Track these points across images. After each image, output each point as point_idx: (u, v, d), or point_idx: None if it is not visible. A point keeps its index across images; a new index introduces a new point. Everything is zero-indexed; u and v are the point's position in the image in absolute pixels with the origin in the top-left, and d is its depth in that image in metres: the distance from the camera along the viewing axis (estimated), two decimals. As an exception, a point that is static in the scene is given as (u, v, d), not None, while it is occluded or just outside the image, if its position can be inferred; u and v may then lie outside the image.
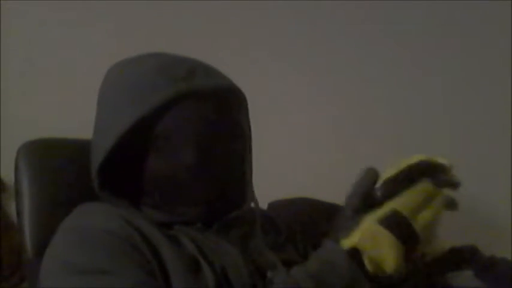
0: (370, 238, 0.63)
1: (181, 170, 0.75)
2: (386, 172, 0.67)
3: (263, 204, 1.64)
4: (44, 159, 0.92)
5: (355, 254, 0.63)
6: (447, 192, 0.68)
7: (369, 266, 0.63)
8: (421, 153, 0.70)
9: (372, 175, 0.66)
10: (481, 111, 1.90)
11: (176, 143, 0.75)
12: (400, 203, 0.64)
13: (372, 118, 1.95)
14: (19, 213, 0.90)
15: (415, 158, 0.67)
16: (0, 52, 1.72)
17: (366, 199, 0.65)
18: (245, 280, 0.75)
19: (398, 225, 0.63)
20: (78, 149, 0.90)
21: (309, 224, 1.46)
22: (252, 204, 0.88)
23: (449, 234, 1.79)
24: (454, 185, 0.67)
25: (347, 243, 0.64)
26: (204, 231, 0.79)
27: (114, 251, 0.70)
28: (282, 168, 1.88)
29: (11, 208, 1.60)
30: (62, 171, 0.92)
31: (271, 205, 1.72)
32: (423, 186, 0.66)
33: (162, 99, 0.72)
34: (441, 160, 0.68)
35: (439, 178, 0.67)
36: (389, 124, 1.92)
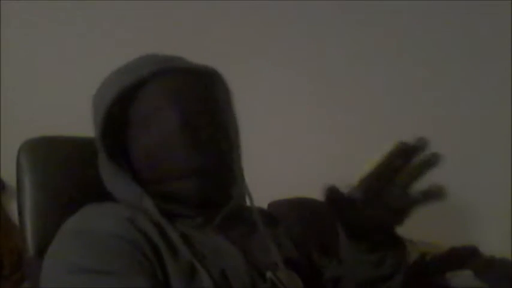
0: None
1: (167, 135, 0.78)
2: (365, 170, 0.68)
3: (263, 205, 1.65)
4: (45, 157, 0.92)
5: None
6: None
7: None
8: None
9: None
10: (482, 111, 1.90)
11: (159, 113, 0.79)
12: None
13: (371, 118, 1.95)
14: (20, 211, 0.89)
15: (388, 149, 0.66)
16: (1, 52, 1.72)
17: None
18: (245, 281, 0.75)
19: None
20: (80, 147, 0.90)
21: (308, 224, 1.46)
22: (247, 199, 0.89)
23: (449, 234, 1.80)
24: (432, 162, 0.66)
25: None
26: (204, 227, 0.80)
27: (121, 254, 0.70)
28: (282, 168, 1.88)
29: (12, 208, 1.60)
30: (64, 169, 0.92)
31: (271, 205, 1.73)
32: None
33: (144, 72, 0.79)
34: (413, 141, 0.66)
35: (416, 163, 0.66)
36: (389, 124, 1.92)
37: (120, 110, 0.80)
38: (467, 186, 1.83)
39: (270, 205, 1.73)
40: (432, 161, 0.65)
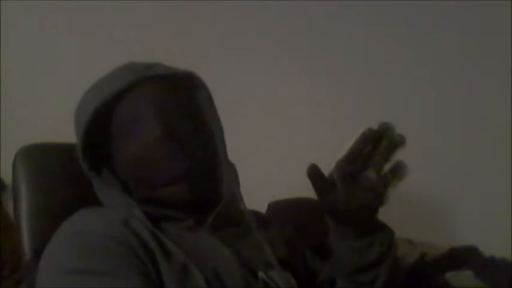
0: None
1: (150, 144, 0.79)
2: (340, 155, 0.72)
3: (263, 204, 1.65)
4: (41, 164, 0.93)
5: None
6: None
7: None
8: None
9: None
10: (482, 110, 1.90)
11: (141, 122, 0.80)
12: None
13: (371, 118, 1.95)
14: (17, 217, 0.91)
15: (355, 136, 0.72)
16: (0, 55, 1.72)
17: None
18: (238, 282, 0.76)
19: None
20: (74, 152, 0.91)
21: (308, 224, 1.46)
22: (238, 202, 0.89)
23: (449, 234, 1.80)
24: (397, 144, 0.70)
25: None
26: (196, 228, 0.80)
27: (116, 255, 0.71)
28: (282, 168, 1.88)
29: (12, 207, 1.60)
30: (59, 176, 0.93)
31: (271, 205, 1.73)
32: None
33: (123, 83, 0.80)
34: (379, 126, 0.72)
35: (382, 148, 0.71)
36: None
37: (102, 121, 0.80)
38: (467, 186, 1.83)
39: (269, 205, 1.73)
40: (399, 142, 0.70)
